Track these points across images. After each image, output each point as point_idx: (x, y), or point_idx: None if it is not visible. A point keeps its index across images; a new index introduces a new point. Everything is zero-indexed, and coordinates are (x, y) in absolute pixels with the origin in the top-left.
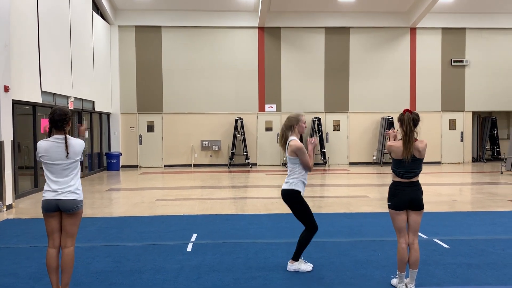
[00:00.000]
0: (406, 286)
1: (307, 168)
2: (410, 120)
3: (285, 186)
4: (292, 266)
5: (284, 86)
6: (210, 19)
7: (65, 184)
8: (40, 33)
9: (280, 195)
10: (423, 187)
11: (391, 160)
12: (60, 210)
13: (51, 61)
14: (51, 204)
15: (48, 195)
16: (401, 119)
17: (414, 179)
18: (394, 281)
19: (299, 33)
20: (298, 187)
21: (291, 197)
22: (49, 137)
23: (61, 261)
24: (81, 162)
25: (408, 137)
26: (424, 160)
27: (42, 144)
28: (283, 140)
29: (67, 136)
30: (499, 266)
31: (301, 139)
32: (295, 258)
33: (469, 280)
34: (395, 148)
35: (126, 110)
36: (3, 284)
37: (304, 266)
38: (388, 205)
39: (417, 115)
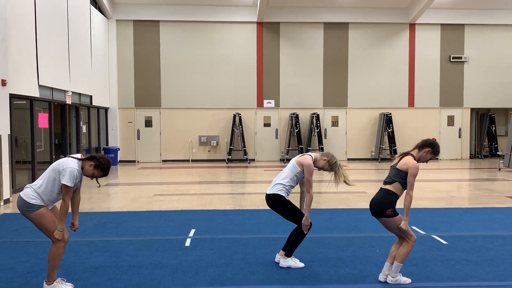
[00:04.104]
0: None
1: (308, 188)
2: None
3: (270, 191)
4: (285, 262)
5: (283, 81)
6: (208, 14)
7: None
8: (37, 27)
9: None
10: (421, 183)
11: (389, 156)
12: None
13: (48, 55)
14: None
15: None
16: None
17: (383, 185)
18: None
19: (298, 28)
20: (282, 193)
21: (276, 202)
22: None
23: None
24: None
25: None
26: None
27: None
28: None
29: (75, 156)
30: (498, 262)
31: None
32: (288, 254)
33: (468, 276)
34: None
35: (124, 105)
36: (1, 278)
37: (298, 263)
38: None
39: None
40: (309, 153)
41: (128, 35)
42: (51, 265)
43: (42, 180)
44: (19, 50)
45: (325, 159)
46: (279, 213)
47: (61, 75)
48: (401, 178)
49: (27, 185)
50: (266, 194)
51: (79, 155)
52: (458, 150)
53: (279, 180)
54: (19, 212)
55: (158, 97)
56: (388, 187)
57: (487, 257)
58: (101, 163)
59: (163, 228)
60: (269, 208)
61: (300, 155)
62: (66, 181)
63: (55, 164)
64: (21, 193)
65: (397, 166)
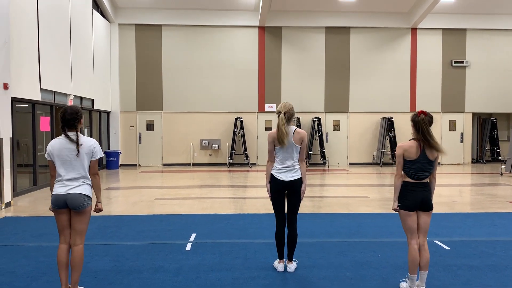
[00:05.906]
0: None
1: (304, 157)
2: (425, 122)
3: (296, 175)
4: (294, 266)
5: (284, 85)
6: (210, 18)
7: (76, 182)
8: (40, 30)
9: (290, 185)
10: None
11: (391, 161)
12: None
13: (50, 59)
14: (60, 200)
15: (59, 190)
16: (415, 121)
17: (424, 180)
18: (404, 285)
19: (300, 33)
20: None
21: (301, 187)
22: (60, 136)
23: (70, 259)
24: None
25: (426, 137)
26: None
27: (53, 143)
28: (284, 128)
29: (79, 134)
30: (500, 268)
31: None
32: (292, 258)
33: (470, 282)
34: (407, 147)
35: (126, 108)
36: (1, 282)
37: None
38: (399, 205)
39: (431, 117)
40: (294, 127)
41: (130, 39)
42: (80, 268)
43: (82, 169)
44: (21, 53)
45: (293, 120)
46: (297, 199)
47: (63, 78)
48: (433, 168)
49: (81, 182)
50: (292, 180)
51: (72, 134)
52: (460, 155)
53: (295, 162)
54: (20, 216)
55: (160, 101)
56: (427, 180)
57: (489, 263)
58: (80, 113)
59: (164, 232)
60: (270, 212)
61: (287, 135)
62: (101, 152)
63: (81, 150)
64: (78, 190)
65: (431, 158)
